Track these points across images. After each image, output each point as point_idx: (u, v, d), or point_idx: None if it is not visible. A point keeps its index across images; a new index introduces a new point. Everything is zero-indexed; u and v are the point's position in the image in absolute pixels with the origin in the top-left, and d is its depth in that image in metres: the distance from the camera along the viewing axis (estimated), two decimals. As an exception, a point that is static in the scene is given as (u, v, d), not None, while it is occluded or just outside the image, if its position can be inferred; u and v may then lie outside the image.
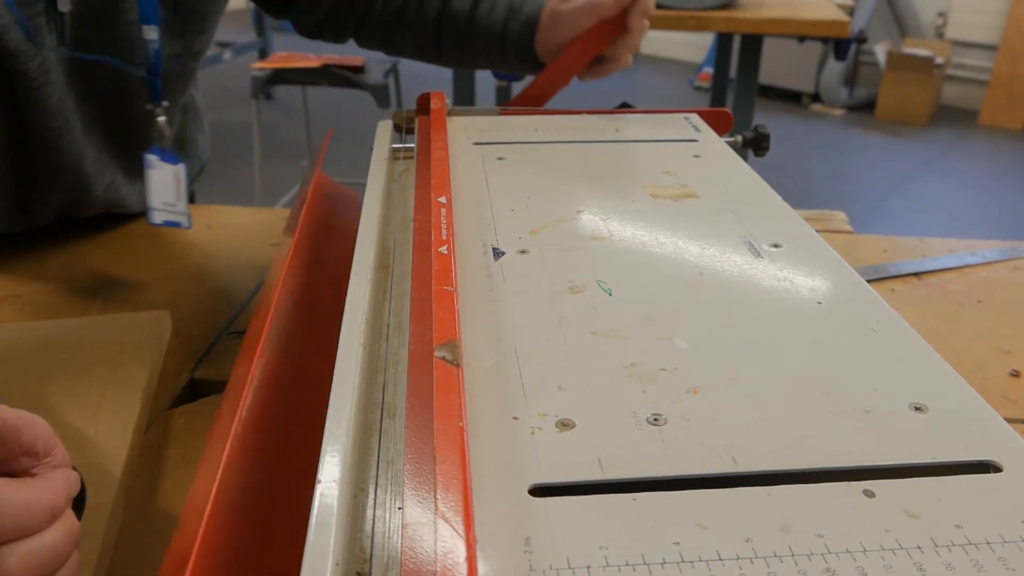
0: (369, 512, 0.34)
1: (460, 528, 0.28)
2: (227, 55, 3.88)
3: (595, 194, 0.63)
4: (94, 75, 0.67)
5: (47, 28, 0.62)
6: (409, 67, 3.77)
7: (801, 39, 2.35)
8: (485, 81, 2.32)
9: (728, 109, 0.83)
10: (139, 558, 0.46)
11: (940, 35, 4.45)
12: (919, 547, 0.31)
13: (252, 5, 0.90)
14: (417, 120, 0.77)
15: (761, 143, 0.80)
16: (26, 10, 0.60)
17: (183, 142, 0.88)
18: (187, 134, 0.89)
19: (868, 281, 0.50)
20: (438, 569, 0.27)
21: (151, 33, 0.69)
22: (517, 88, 2.49)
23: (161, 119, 0.71)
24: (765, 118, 3.43)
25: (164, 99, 0.72)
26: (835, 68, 4.25)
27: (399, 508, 0.31)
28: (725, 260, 0.52)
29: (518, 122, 0.79)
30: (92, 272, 0.78)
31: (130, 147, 0.74)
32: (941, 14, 4.43)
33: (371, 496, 0.35)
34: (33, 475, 0.37)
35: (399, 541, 0.29)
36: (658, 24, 2.11)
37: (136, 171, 0.78)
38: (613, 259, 0.52)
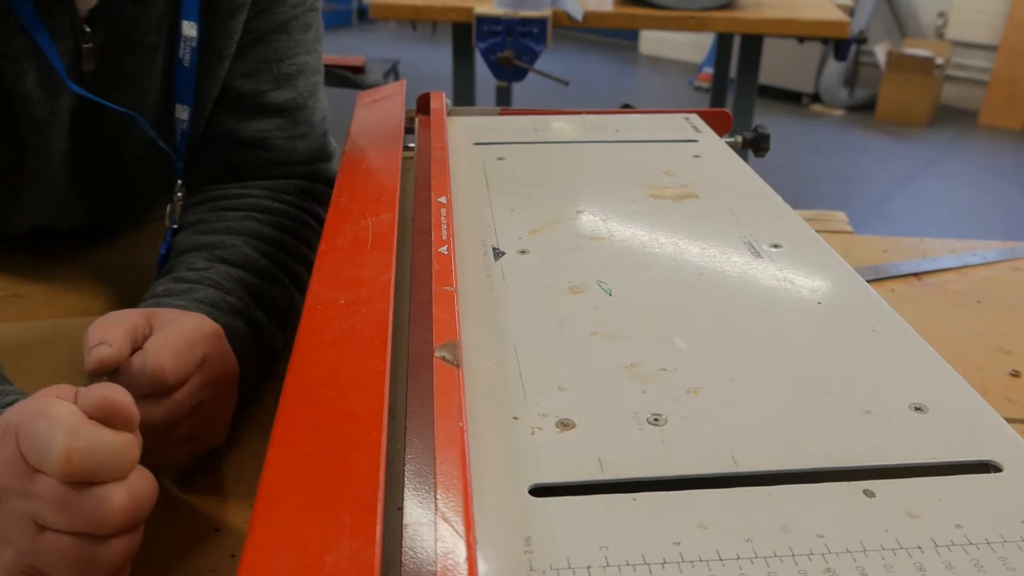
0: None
1: (460, 528, 0.28)
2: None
3: (595, 194, 0.63)
4: (102, 124, 0.66)
5: (63, 81, 0.61)
6: (408, 67, 3.77)
7: (801, 39, 2.35)
8: (485, 81, 2.32)
9: (728, 109, 0.83)
10: (139, 558, 0.46)
11: (940, 35, 4.45)
12: (919, 547, 0.31)
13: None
14: (417, 120, 0.77)
15: (761, 143, 0.80)
16: (47, 62, 0.60)
17: None
18: None
19: (868, 281, 0.50)
20: (438, 569, 0.27)
21: (182, 113, 0.67)
22: (517, 89, 2.49)
23: (179, 196, 0.70)
24: (765, 118, 3.42)
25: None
26: (835, 68, 4.25)
27: (399, 508, 0.31)
28: (725, 260, 0.52)
29: (518, 122, 0.79)
30: (92, 272, 0.78)
31: (110, 185, 0.73)
32: (941, 14, 4.43)
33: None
34: None
35: (399, 541, 0.29)
36: (658, 25, 2.11)
37: (110, 204, 0.77)
38: (613, 259, 0.52)
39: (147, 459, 0.41)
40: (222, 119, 0.71)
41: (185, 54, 0.65)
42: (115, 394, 0.39)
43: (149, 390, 0.47)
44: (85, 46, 0.61)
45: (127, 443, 0.38)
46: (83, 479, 0.37)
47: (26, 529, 0.38)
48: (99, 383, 0.40)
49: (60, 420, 0.37)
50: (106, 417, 0.38)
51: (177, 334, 0.49)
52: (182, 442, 0.50)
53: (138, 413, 0.40)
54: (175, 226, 0.69)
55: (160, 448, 0.47)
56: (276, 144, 0.72)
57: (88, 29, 0.61)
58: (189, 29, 0.64)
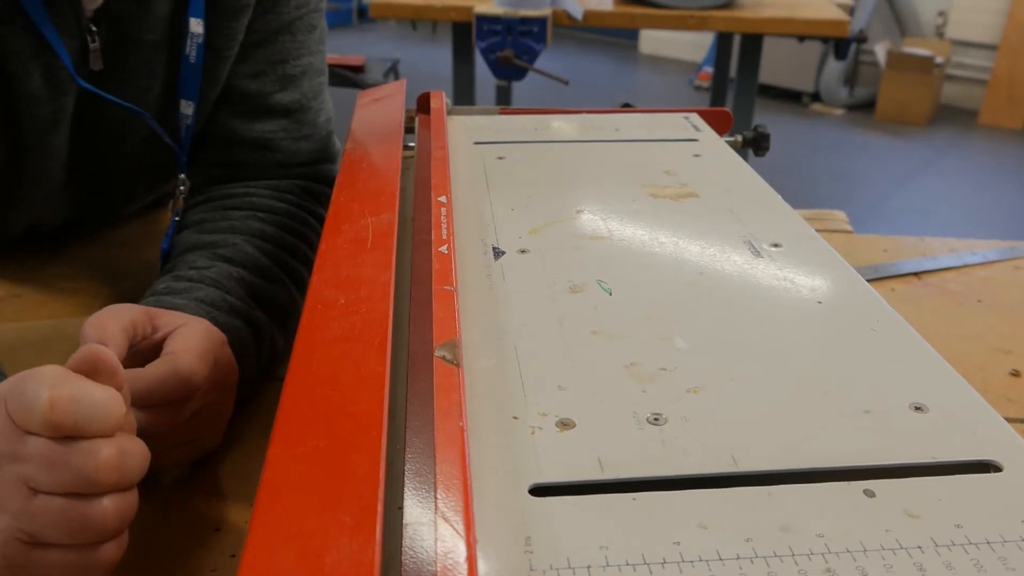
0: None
1: (460, 528, 0.28)
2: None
3: (595, 194, 0.63)
4: (102, 121, 0.67)
5: (69, 79, 0.62)
6: (409, 67, 3.77)
7: (801, 38, 2.35)
8: (485, 80, 2.32)
9: (728, 109, 0.83)
10: (139, 558, 0.46)
11: (940, 35, 4.45)
12: (919, 547, 0.31)
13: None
14: (417, 119, 0.77)
15: (761, 143, 0.80)
16: (54, 60, 0.60)
17: None
18: None
19: (868, 281, 0.50)
20: (438, 569, 0.27)
21: (187, 108, 0.67)
22: (517, 88, 2.49)
23: (182, 189, 0.70)
24: (765, 118, 3.42)
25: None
26: (835, 68, 4.25)
27: (399, 508, 0.31)
28: (725, 260, 0.52)
29: (518, 122, 0.79)
30: (92, 271, 0.77)
31: (104, 180, 0.74)
32: (941, 13, 4.43)
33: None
34: None
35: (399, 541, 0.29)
36: (658, 24, 2.11)
37: (103, 199, 0.77)
38: (613, 259, 0.52)
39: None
40: (227, 120, 0.71)
41: (192, 51, 0.65)
42: (98, 348, 0.39)
43: (179, 395, 0.47)
44: (92, 45, 0.61)
45: (112, 396, 0.38)
46: (69, 432, 0.37)
47: (19, 494, 0.38)
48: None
49: (44, 376, 0.38)
50: (90, 369, 0.39)
51: (198, 339, 0.49)
52: (180, 445, 0.50)
53: (123, 370, 0.40)
54: (176, 218, 0.69)
55: (157, 451, 0.48)
56: (280, 145, 0.72)
57: (94, 28, 0.61)
58: (196, 26, 0.65)
